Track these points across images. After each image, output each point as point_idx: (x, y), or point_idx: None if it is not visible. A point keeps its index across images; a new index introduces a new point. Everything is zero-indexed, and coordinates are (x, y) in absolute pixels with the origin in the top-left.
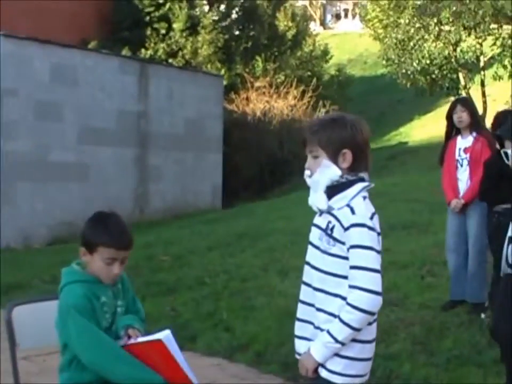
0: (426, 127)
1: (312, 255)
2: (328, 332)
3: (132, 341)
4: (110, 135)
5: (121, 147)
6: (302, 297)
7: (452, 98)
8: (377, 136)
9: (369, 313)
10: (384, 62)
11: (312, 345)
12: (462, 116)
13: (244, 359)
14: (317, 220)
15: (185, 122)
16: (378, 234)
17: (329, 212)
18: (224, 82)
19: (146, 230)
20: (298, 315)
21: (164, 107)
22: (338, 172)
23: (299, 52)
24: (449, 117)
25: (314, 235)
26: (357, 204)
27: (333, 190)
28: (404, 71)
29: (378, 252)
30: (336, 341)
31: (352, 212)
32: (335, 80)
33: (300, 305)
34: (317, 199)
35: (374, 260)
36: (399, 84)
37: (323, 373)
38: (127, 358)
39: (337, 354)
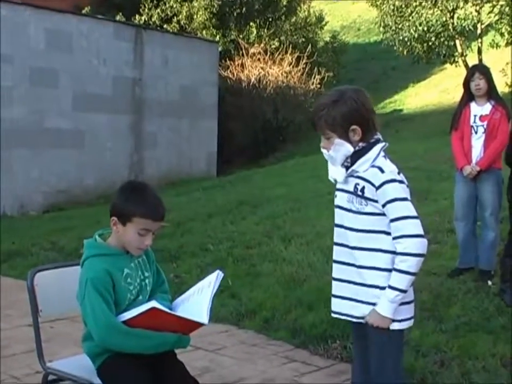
0: (421, 95)
1: (343, 217)
2: (390, 287)
3: (127, 315)
4: (105, 102)
5: (116, 114)
6: (337, 257)
7: (447, 66)
8: None
9: (422, 255)
10: (381, 28)
11: (378, 307)
12: (480, 84)
13: (252, 326)
14: (341, 185)
15: (180, 89)
16: (407, 186)
17: (352, 175)
18: (219, 49)
19: None
20: (335, 275)
21: (159, 73)
22: (351, 149)
23: (294, 17)
24: (466, 84)
25: (342, 199)
26: (382, 163)
27: (355, 156)
28: (400, 38)
29: (411, 200)
30: (401, 290)
31: (381, 171)
32: (330, 47)
33: (335, 266)
34: (334, 172)
35: (411, 208)
36: (396, 51)
37: (395, 325)
38: (134, 332)
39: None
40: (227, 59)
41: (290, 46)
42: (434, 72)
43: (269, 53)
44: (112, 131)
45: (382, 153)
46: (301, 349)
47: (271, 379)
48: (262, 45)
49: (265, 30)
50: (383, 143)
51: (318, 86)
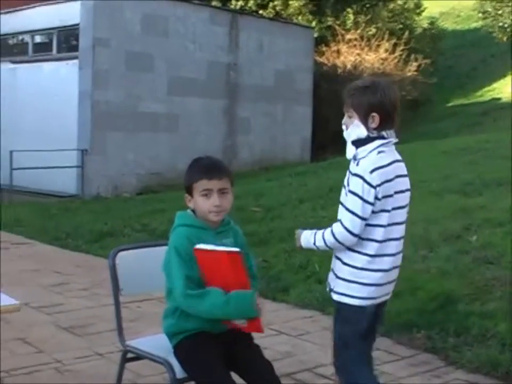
0: None
1: (339, 211)
2: (315, 234)
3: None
4: (199, 86)
5: (210, 98)
6: None
7: None
8: (469, 91)
9: (340, 243)
10: (480, 14)
11: (304, 233)
12: None
13: None
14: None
15: (275, 74)
16: (375, 187)
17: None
18: (315, 35)
19: (234, 181)
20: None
21: (253, 59)
22: (365, 132)
23: (391, 4)
24: None
25: (342, 193)
26: (366, 158)
27: (358, 143)
28: (500, 24)
29: (367, 202)
30: (314, 243)
31: (357, 164)
32: (427, 33)
33: None
34: (348, 150)
35: (359, 207)
36: (495, 37)
37: (342, 298)
38: (206, 293)
39: (340, 278)
40: (323, 45)
41: (387, 32)
42: None
43: (365, 39)
44: (206, 115)
45: (380, 148)
46: (384, 338)
47: None
48: (359, 31)
49: (362, 16)
50: (385, 140)
51: (415, 73)
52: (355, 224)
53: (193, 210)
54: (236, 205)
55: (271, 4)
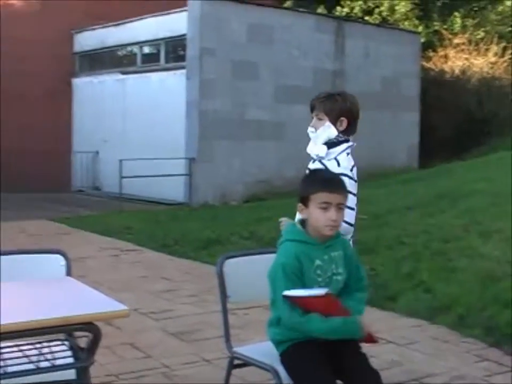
0: None
1: None
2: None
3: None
4: (305, 94)
5: None
6: None
7: None
8: None
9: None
10: None
11: None
12: None
13: (444, 321)
14: (310, 165)
15: (382, 80)
16: (356, 181)
17: (320, 160)
18: (422, 40)
19: None
20: None
21: (360, 65)
22: (335, 132)
23: (500, 6)
24: None
25: None
26: (341, 158)
27: (330, 145)
28: None
29: (355, 195)
30: None
31: (338, 164)
32: None
33: None
34: (317, 149)
35: (353, 201)
36: None
37: None
38: (313, 324)
39: None
40: (430, 50)
41: (496, 35)
42: None
43: (473, 43)
44: None
45: (347, 151)
46: (494, 348)
47: (461, 377)
48: (467, 35)
49: (470, 20)
50: (350, 143)
51: None
52: (352, 217)
53: (302, 221)
54: None
55: (377, 10)
